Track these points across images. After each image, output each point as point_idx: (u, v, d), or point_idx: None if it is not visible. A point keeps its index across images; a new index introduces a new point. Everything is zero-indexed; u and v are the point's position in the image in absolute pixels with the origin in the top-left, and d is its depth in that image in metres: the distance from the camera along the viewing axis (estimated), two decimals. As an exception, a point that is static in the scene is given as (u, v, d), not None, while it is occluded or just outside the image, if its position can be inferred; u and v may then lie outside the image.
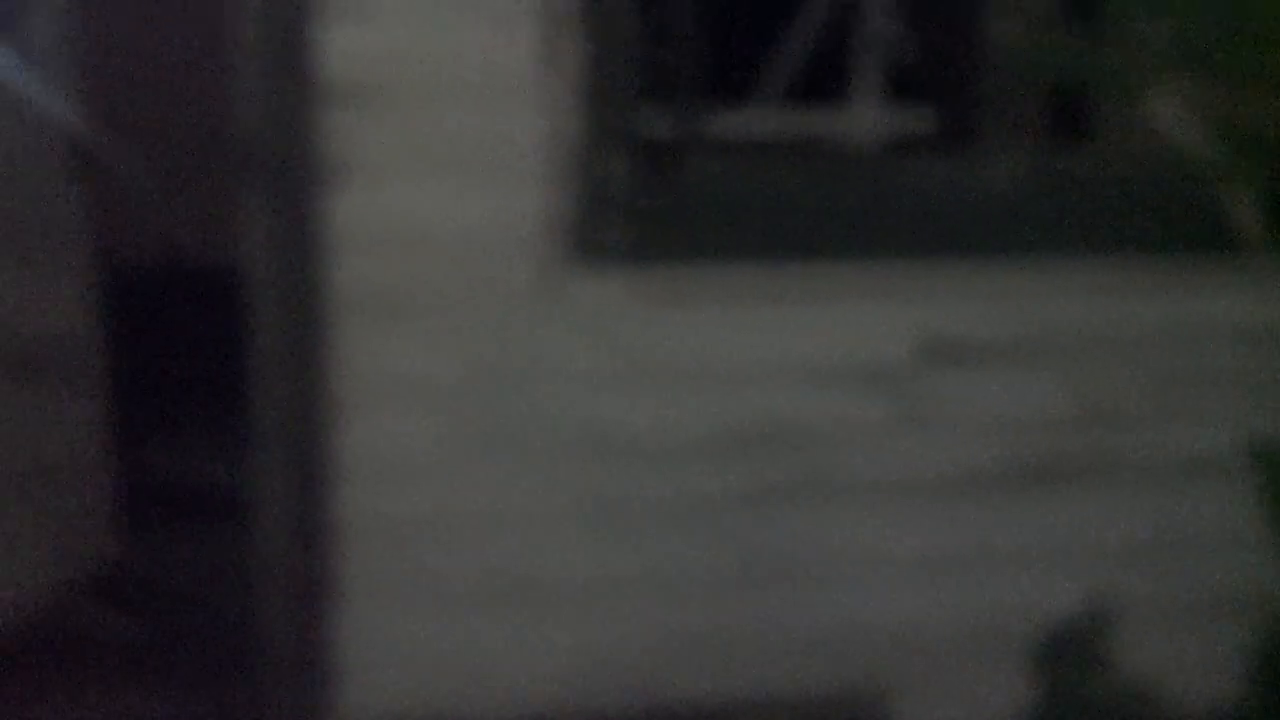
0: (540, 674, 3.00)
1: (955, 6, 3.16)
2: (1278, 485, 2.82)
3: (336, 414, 2.85)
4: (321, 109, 2.74)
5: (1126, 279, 3.05)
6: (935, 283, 3.02)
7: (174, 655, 3.51)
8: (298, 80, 2.73)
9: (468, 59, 2.79)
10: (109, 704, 3.28)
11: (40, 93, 3.64)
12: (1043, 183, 3.06)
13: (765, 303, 2.98)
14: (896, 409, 3.03)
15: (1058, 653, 3.03)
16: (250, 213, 2.86)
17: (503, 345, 2.89)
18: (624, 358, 2.94)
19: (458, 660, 2.98)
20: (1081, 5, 3.08)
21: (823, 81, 3.23)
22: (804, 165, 3.14)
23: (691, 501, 2.99)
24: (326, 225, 2.78)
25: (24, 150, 3.62)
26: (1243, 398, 3.07)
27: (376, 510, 2.90)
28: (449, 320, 2.86)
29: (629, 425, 2.95)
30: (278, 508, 2.95)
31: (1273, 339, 3.03)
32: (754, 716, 3.03)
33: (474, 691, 2.98)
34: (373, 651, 2.93)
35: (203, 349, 4.63)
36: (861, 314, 3.01)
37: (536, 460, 2.94)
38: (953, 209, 3.03)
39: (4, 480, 3.59)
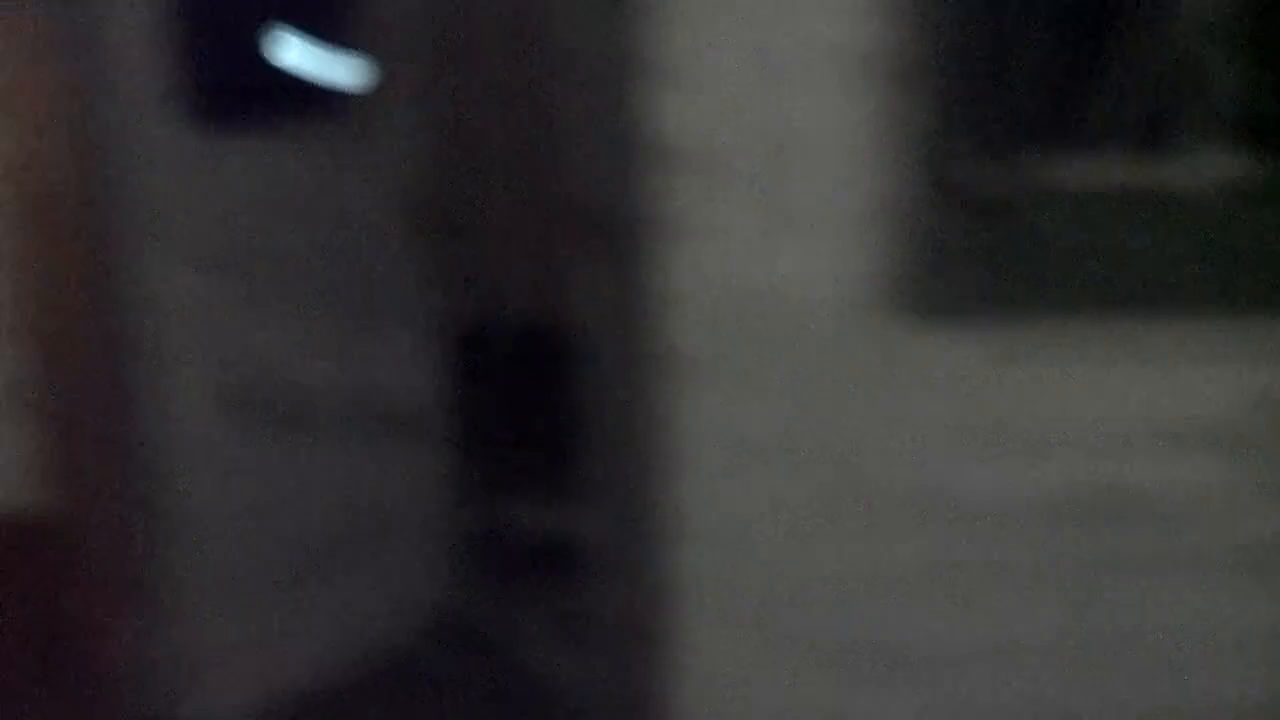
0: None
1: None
2: None
3: (672, 472, 2.89)
4: (655, 172, 2.80)
5: None
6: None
7: (515, 701, 3.60)
8: (632, 143, 2.80)
9: (799, 119, 2.80)
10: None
11: (389, 157, 3.84)
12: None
13: (1103, 359, 2.89)
14: (1245, 472, 2.89)
15: None
16: (587, 273, 2.95)
17: (838, 404, 2.88)
18: (961, 416, 2.89)
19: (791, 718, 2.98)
20: None
21: (1160, 129, 3.12)
22: (1144, 216, 3.04)
23: (1034, 567, 2.91)
24: (662, 285, 2.84)
25: (377, 214, 3.84)
26: None
27: (714, 567, 2.92)
28: (784, 379, 2.87)
29: (967, 487, 2.90)
30: (614, 561, 3.02)
31: None
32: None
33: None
34: (706, 707, 2.96)
35: (542, 405, 4.76)
36: (1206, 372, 2.88)
37: (873, 522, 2.92)
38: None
39: (361, 529, 3.78)
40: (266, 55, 3.64)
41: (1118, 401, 2.90)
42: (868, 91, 2.80)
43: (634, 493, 2.95)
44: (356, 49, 3.76)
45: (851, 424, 2.89)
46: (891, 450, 2.90)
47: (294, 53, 3.67)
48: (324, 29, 3.72)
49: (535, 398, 4.74)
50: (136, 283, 3.18)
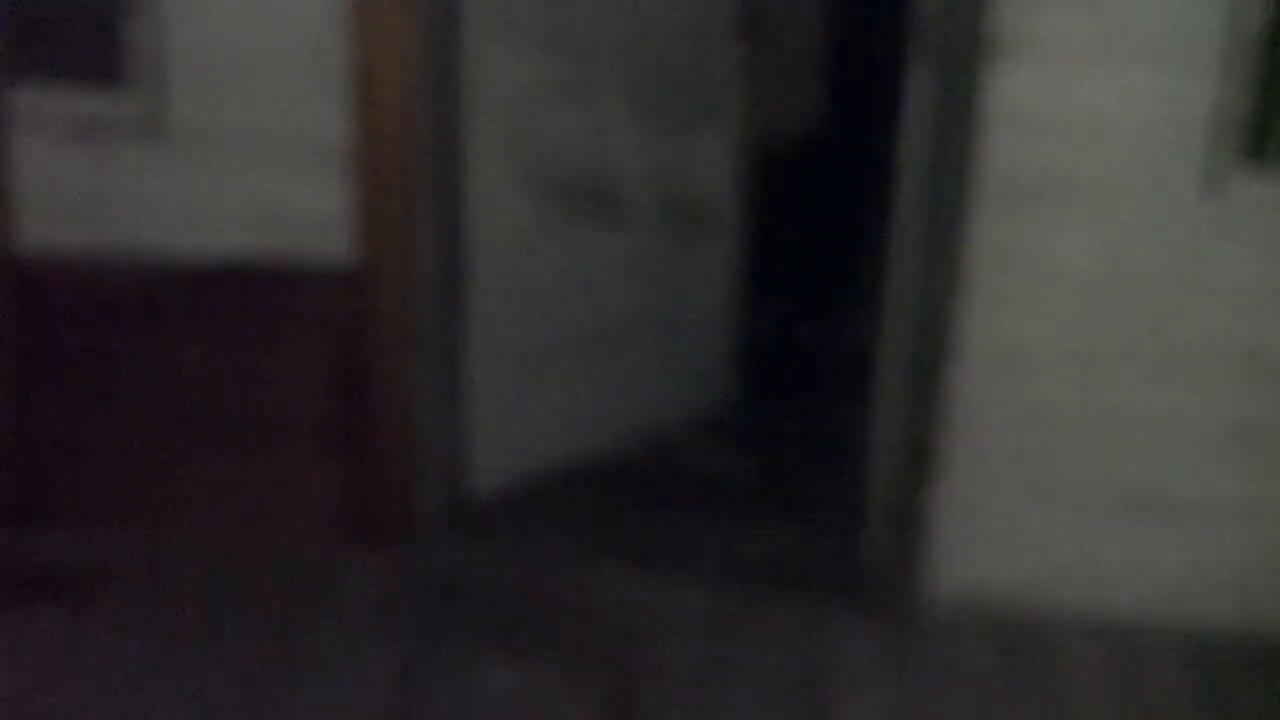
0: (1131, 583, 2.96)
1: None
2: None
3: (968, 294, 2.85)
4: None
5: None
6: None
7: (779, 497, 3.66)
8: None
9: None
10: (716, 532, 3.47)
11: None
12: None
13: None
14: None
15: None
16: (913, 86, 2.88)
17: (1152, 243, 2.80)
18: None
19: (1051, 552, 2.98)
20: None
21: None
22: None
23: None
24: (987, 104, 2.76)
25: (702, 17, 3.83)
26: None
27: (995, 394, 2.90)
28: (1100, 211, 2.79)
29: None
30: (894, 376, 3.00)
31: None
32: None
33: (1060, 586, 2.99)
34: (968, 528, 2.97)
35: (843, 217, 4.74)
36: None
37: (1172, 369, 2.85)
38: None
39: (650, 319, 3.86)
40: None
41: None
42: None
43: (923, 311, 2.91)
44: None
45: (1163, 265, 2.81)
46: (1202, 296, 2.81)
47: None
48: None
49: (835, 208, 4.71)
50: (460, 61, 3.25)
